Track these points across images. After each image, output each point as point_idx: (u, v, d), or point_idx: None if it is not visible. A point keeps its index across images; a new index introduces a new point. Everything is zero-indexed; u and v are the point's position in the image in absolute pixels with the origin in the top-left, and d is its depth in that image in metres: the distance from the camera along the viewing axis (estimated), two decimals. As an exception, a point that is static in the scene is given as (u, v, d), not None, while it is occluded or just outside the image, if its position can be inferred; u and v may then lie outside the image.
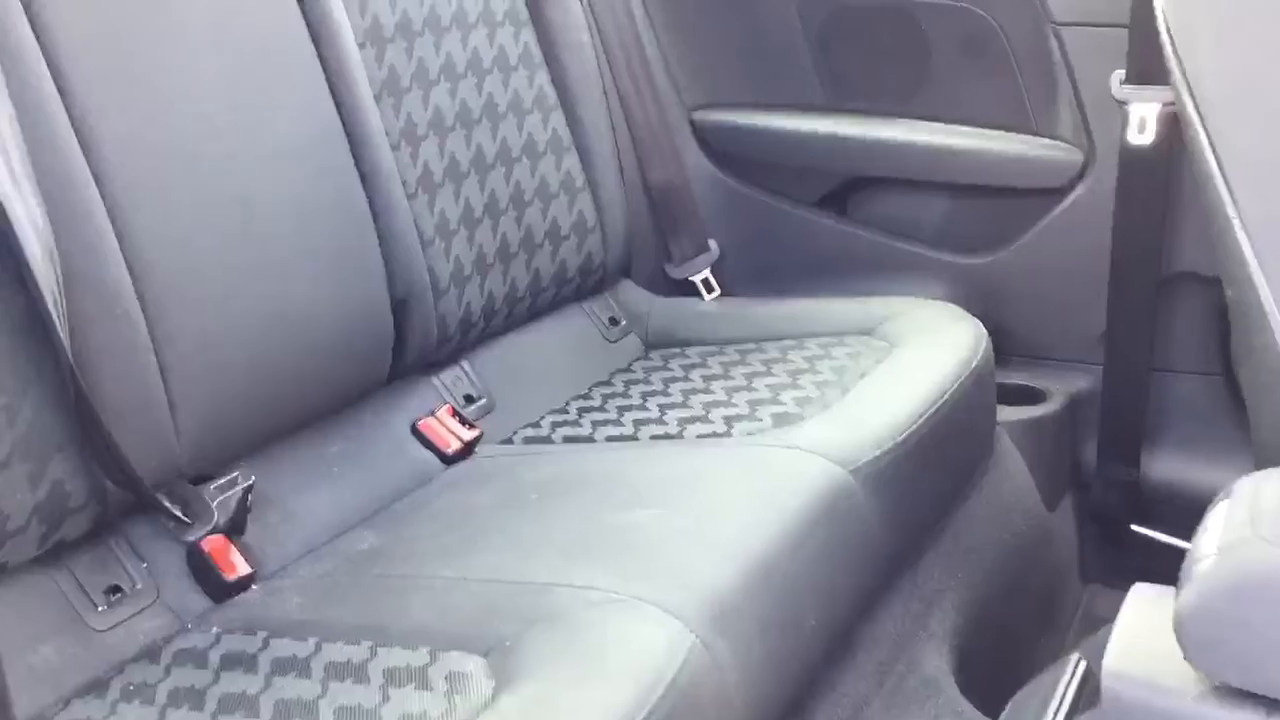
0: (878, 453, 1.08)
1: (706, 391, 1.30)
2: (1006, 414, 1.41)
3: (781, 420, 1.18)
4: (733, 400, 1.26)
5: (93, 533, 0.96)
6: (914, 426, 1.13)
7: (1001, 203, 1.48)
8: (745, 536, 0.94)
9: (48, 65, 0.93)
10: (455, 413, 1.27)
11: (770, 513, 0.97)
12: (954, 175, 1.49)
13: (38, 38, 0.93)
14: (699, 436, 1.19)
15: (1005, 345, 1.44)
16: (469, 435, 1.24)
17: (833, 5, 1.49)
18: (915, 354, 1.29)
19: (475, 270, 1.32)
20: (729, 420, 1.20)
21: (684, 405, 1.27)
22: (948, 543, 1.22)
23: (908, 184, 1.53)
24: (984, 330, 1.34)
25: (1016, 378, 1.48)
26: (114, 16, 0.99)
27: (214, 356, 1.02)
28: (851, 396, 1.22)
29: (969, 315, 1.37)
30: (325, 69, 1.17)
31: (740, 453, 1.11)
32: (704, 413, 1.24)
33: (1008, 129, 1.45)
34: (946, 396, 1.20)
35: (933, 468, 1.16)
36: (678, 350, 1.48)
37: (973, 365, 1.27)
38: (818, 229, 1.58)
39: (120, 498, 0.95)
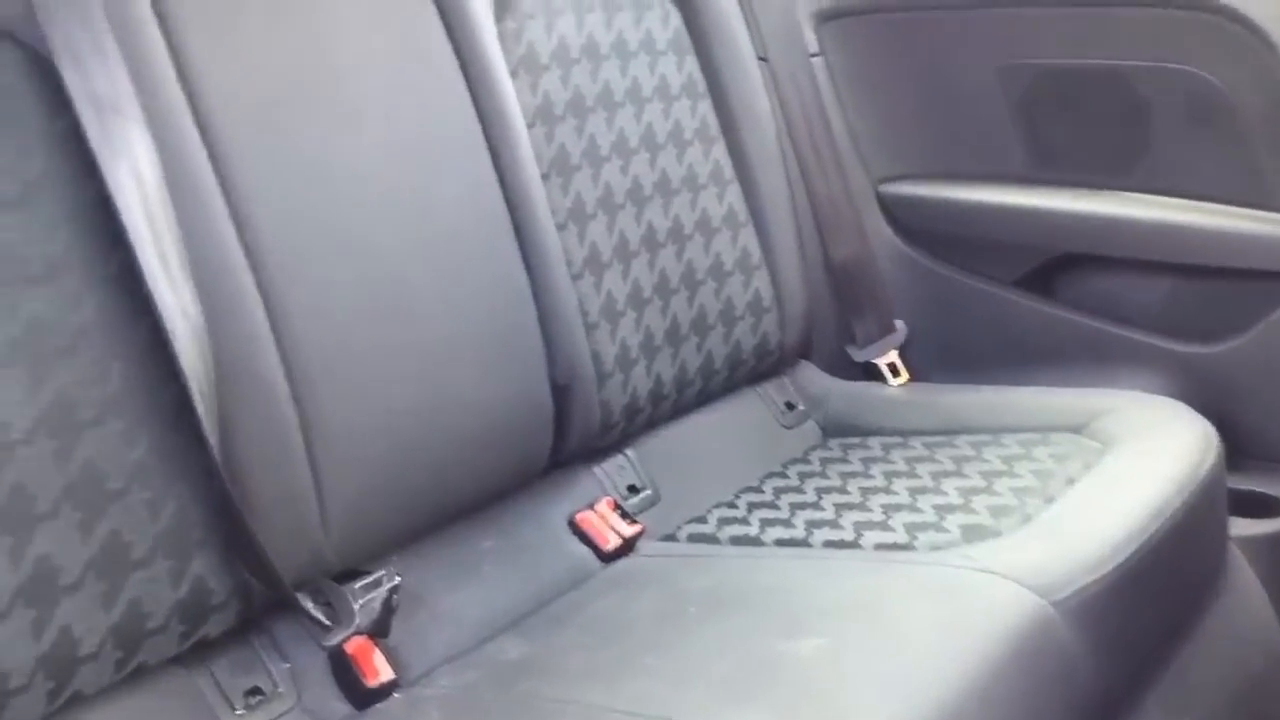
0: (1087, 580, 0.94)
1: (888, 491, 1.19)
2: (1240, 528, 1.23)
3: (973, 533, 1.06)
4: (917, 504, 1.14)
5: (235, 631, 0.92)
6: (1131, 548, 0.99)
7: (1233, 285, 1.31)
8: (925, 679, 0.82)
9: (205, 147, 0.91)
10: (616, 505, 1.20)
11: (956, 650, 0.85)
12: (1178, 254, 1.33)
13: (195, 115, 0.91)
14: (877, 546, 1.07)
15: (1237, 447, 1.27)
16: (630, 531, 1.17)
17: (1038, 69, 1.37)
18: (1132, 458, 1.14)
19: (642, 354, 1.25)
20: (912, 529, 1.08)
21: (862, 506, 1.16)
22: (1170, 685, 1.06)
23: (1123, 263, 1.38)
24: (1213, 430, 1.18)
25: (1251, 485, 1.30)
26: (276, 93, 0.97)
27: (365, 447, 0.98)
28: (1056, 508, 1.08)
29: (1195, 412, 1.22)
30: (492, 149, 1.13)
31: (923, 572, 0.99)
32: (884, 518, 1.12)
33: (1240, 203, 1.29)
34: (1170, 510, 1.04)
35: (1152, 596, 1.01)
36: (858, 440, 1.37)
37: (1201, 472, 1.11)
38: (1019, 311, 1.44)
39: (264, 595, 0.92)
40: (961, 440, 1.29)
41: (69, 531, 0.80)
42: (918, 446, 1.30)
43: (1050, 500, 1.10)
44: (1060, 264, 1.43)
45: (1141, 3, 1.29)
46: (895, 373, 1.47)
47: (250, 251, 0.92)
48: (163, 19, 0.91)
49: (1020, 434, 1.27)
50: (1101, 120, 1.35)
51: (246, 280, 0.91)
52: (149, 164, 0.85)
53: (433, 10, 1.11)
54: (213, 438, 0.85)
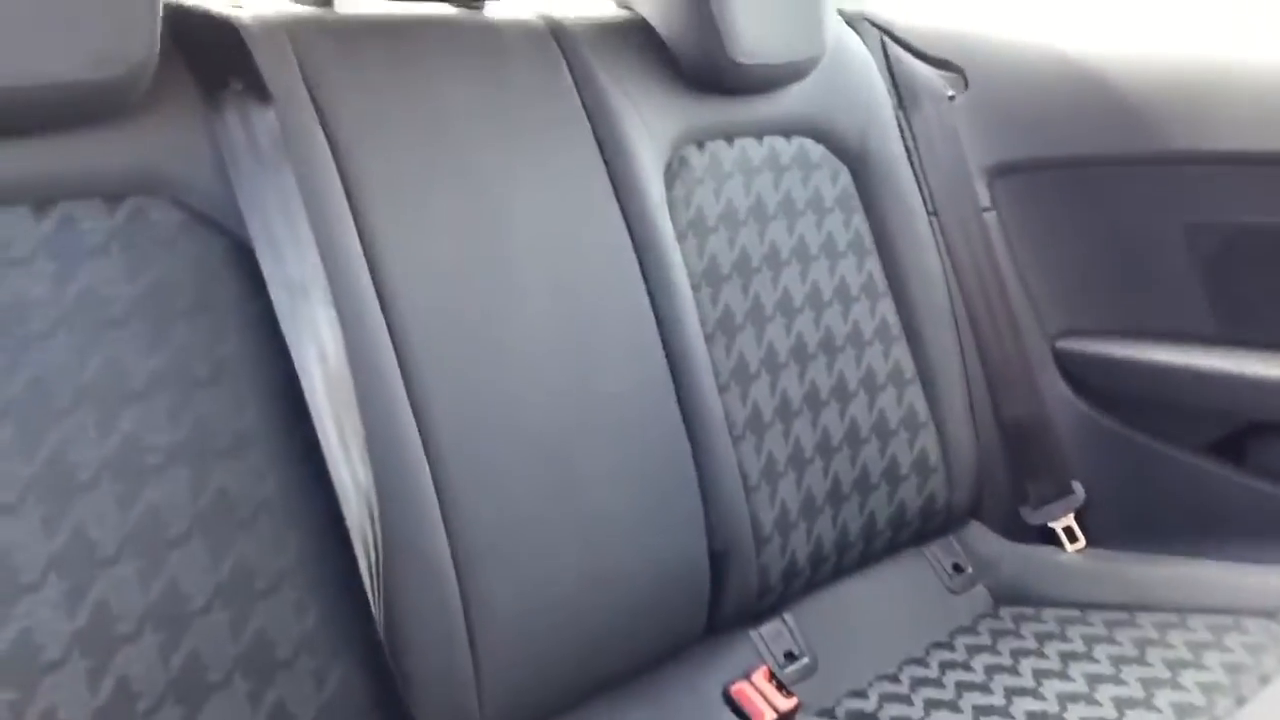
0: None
1: (1063, 676, 1.12)
2: None
3: (1155, 739, 0.98)
4: (1095, 694, 1.07)
5: None
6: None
7: None
8: None
9: (387, 326, 0.96)
10: (772, 675, 1.16)
11: None
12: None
13: (379, 296, 0.96)
14: (1052, 744, 1.01)
15: None
16: (786, 705, 1.13)
17: (1232, 228, 1.31)
18: (1336, 657, 1.05)
19: (802, 516, 1.23)
20: (1090, 727, 1.02)
21: (1035, 693, 1.10)
22: None
23: (1324, 432, 1.29)
24: None
25: None
26: (454, 271, 1.01)
27: (524, 623, 0.99)
28: (1249, 711, 1.00)
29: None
30: (657, 312, 1.14)
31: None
32: (1059, 710, 1.06)
33: None
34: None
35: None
36: (1032, 611, 1.30)
37: None
38: (1208, 478, 1.35)
39: None
40: (1144, 619, 1.21)
41: (239, 702, 0.83)
42: (1097, 623, 1.22)
43: (1241, 701, 1.02)
44: (1254, 431, 1.34)
45: (1343, 162, 1.22)
46: (1072, 538, 1.40)
47: (423, 427, 0.95)
48: (355, 204, 0.96)
49: (1209, 616, 1.18)
50: (1298, 281, 1.28)
51: (418, 456, 0.94)
52: (333, 343, 0.90)
53: (606, 183, 1.14)
54: (378, 612, 0.87)
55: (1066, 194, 1.41)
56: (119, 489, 0.81)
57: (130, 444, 0.82)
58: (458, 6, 1.12)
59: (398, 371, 0.95)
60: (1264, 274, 1.30)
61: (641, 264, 1.15)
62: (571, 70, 1.15)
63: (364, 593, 0.87)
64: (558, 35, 1.16)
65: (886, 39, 1.43)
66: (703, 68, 1.21)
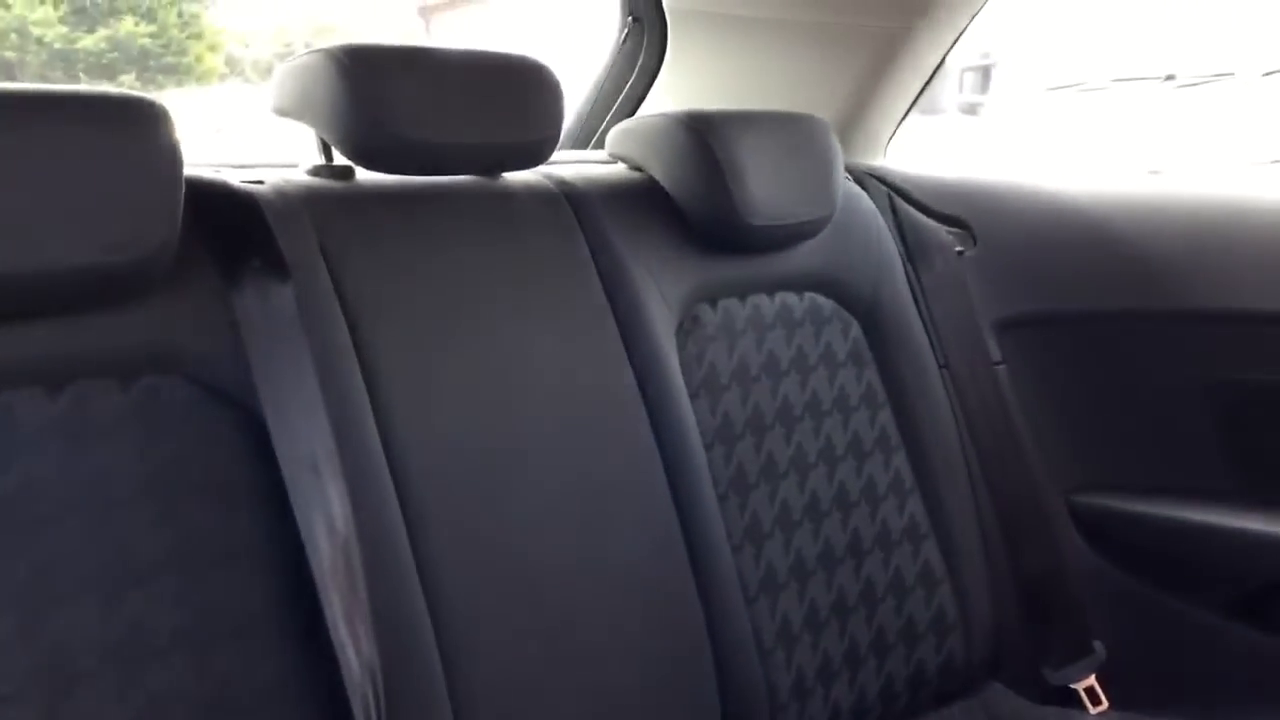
0: None
1: None
2: None
3: None
4: None
5: None
6: None
7: None
8: None
9: (398, 499, 0.95)
10: None
11: None
12: None
13: (391, 470, 0.95)
14: None
15: None
16: None
17: (1248, 385, 1.30)
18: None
19: (819, 681, 1.19)
20: None
21: None
22: None
23: (1349, 594, 1.26)
24: None
25: None
26: (465, 440, 1.00)
27: None
28: None
29: None
30: (670, 475, 1.13)
31: None
32: None
33: None
34: None
35: None
36: (1055, 777, 1.26)
37: None
38: (1231, 640, 1.32)
39: None
40: (1171, 789, 1.17)
41: None
42: (1122, 793, 1.19)
43: None
44: (1277, 589, 1.32)
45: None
46: (1095, 699, 1.36)
47: (431, 603, 0.93)
48: (369, 376, 0.96)
49: (1239, 788, 1.15)
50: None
51: (426, 633, 0.92)
52: (343, 518, 0.88)
53: (619, 345, 1.14)
54: None
55: (1076, 348, 1.41)
56: (120, 676, 0.79)
57: (134, 629, 0.80)
58: (475, 175, 1.14)
59: (407, 545, 0.93)
60: (1277, 430, 1.30)
61: (654, 425, 1.14)
62: (585, 233, 1.17)
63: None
64: (571, 198, 1.18)
65: (894, 196, 1.45)
66: (714, 228, 1.22)
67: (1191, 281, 1.32)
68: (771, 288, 1.28)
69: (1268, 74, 4.22)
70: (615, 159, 1.31)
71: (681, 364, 1.18)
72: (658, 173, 1.25)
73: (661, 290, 1.18)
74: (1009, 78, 4.76)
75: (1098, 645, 1.39)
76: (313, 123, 1.07)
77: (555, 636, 1.01)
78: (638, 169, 1.28)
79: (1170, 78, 4.41)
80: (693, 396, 1.18)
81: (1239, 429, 1.32)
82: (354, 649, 0.86)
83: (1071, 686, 1.37)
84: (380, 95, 1.02)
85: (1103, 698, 1.36)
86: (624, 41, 1.58)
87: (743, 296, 1.26)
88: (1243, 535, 1.31)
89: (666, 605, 1.10)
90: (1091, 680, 1.37)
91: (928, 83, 1.51)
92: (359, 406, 0.94)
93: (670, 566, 1.11)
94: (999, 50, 4.75)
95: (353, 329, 0.96)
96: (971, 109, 4.75)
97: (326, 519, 0.88)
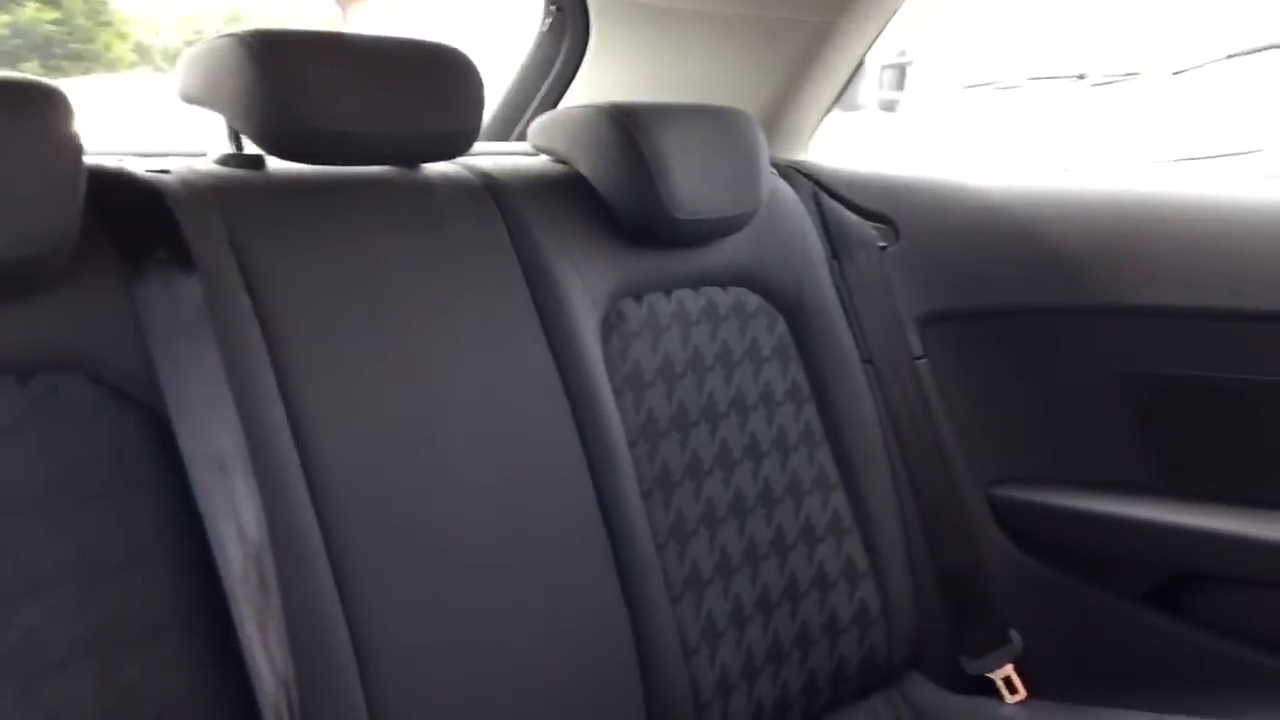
0: None
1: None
2: None
3: None
4: None
5: None
6: None
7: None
8: None
9: (313, 502, 0.92)
10: None
11: None
12: (1316, 580, 1.25)
13: (305, 471, 0.92)
14: None
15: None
16: None
17: (1161, 378, 1.33)
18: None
19: (742, 677, 1.19)
20: None
21: None
22: None
23: (1256, 583, 1.29)
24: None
25: None
26: (384, 442, 0.98)
27: None
28: None
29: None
30: (593, 473, 1.12)
31: None
32: None
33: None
34: None
35: None
36: (974, 766, 1.27)
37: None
38: (1145, 629, 1.35)
39: None
40: (1086, 777, 1.19)
41: None
42: (1039, 781, 1.20)
43: None
44: (1190, 579, 1.35)
45: (1263, 319, 1.25)
46: (1012, 688, 1.38)
47: (349, 609, 0.90)
48: (281, 373, 0.93)
49: (1152, 777, 1.17)
50: (1226, 433, 1.30)
51: (343, 641, 0.89)
52: (254, 521, 0.85)
53: (542, 340, 1.12)
54: None
55: (997, 342, 1.43)
56: (16, 690, 0.75)
57: (29, 640, 0.76)
58: (393, 165, 1.11)
59: (323, 549, 0.90)
60: (1194, 425, 1.32)
61: (577, 422, 1.12)
62: (507, 226, 1.14)
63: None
64: (493, 190, 1.15)
65: (819, 190, 1.45)
66: (639, 222, 1.21)
67: (1109, 277, 1.35)
68: (696, 282, 1.27)
69: (1176, 73, 4.34)
70: (538, 151, 1.29)
71: (605, 360, 1.16)
72: (582, 165, 1.23)
73: (585, 285, 1.16)
74: (925, 75, 4.82)
75: (1015, 635, 1.41)
76: (222, 110, 1.03)
77: (476, 642, 0.99)
78: (561, 161, 1.26)
79: (1082, 76, 4.51)
80: (617, 393, 1.16)
81: (1154, 422, 1.34)
82: (266, 658, 0.83)
83: (989, 676, 1.39)
84: (292, 82, 0.99)
85: (1019, 687, 1.38)
86: (547, 31, 1.56)
87: (668, 291, 1.24)
88: (1157, 527, 1.33)
89: (590, 606, 1.08)
90: (1009, 670, 1.39)
91: (851, 78, 1.52)
92: (270, 404, 0.91)
93: (593, 567, 1.10)
94: (915, 48, 4.81)
95: (263, 324, 0.93)
96: (890, 106, 4.81)
97: (236, 522, 0.85)
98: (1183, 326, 1.30)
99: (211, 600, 0.84)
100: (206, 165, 1.03)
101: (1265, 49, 4.34)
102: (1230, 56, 4.36)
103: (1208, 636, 1.32)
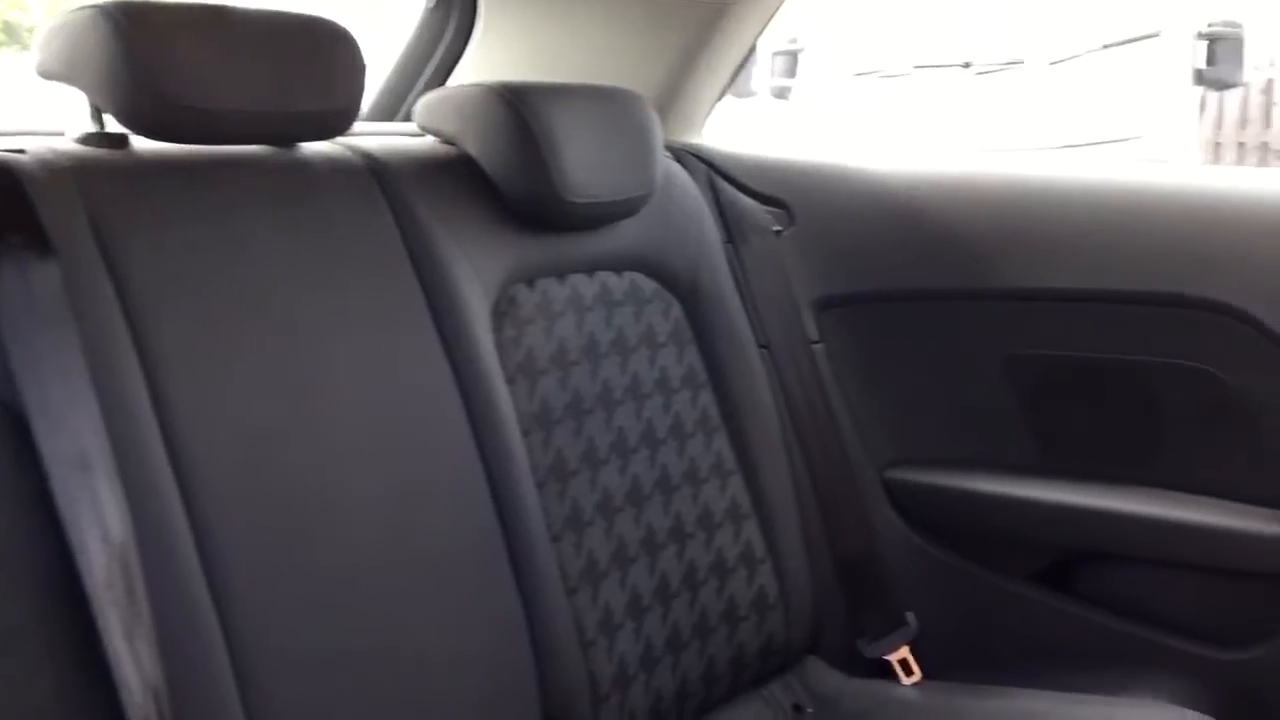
0: None
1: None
2: None
3: None
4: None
5: None
6: None
7: (1264, 587, 1.25)
8: None
9: (183, 502, 0.86)
10: (613, 844, 1.10)
11: None
12: (1199, 556, 1.28)
13: (174, 469, 0.87)
14: None
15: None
16: None
17: (1048, 360, 1.35)
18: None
19: (641, 668, 1.17)
20: None
21: None
22: None
23: (1146, 560, 1.32)
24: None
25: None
26: (262, 438, 0.93)
27: None
28: None
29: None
30: (485, 463, 1.08)
31: None
32: None
33: (1261, 503, 1.24)
34: None
35: None
36: (871, 749, 1.28)
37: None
38: (1037, 608, 1.37)
39: None
40: (981, 757, 1.20)
41: None
42: (936, 762, 1.21)
43: None
44: (1080, 558, 1.38)
45: (1153, 301, 1.28)
46: (908, 670, 1.39)
47: (223, 613, 0.86)
48: (148, 364, 0.87)
49: (1044, 750, 1.19)
50: (1116, 414, 1.32)
51: (218, 646, 0.85)
52: (119, 523, 0.80)
53: (431, 327, 1.08)
54: None
55: (890, 326, 1.43)
56: None
57: None
58: (268, 145, 1.05)
59: (194, 552, 0.85)
60: (1081, 406, 1.35)
61: (469, 412, 1.09)
62: (391, 209, 1.10)
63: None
64: (377, 173, 1.11)
65: (714, 174, 1.44)
66: (531, 205, 1.17)
67: (1002, 260, 1.36)
68: (590, 267, 1.24)
69: (1055, 62, 4.46)
70: (424, 131, 1.24)
71: (497, 347, 1.13)
72: (470, 146, 1.19)
73: (475, 270, 1.12)
74: (815, 63, 4.88)
75: (910, 617, 1.42)
76: (83, 86, 0.97)
77: (363, 644, 0.95)
78: (449, 142, 1.21)
79: (967, 65, 4.61)
80: (509, 381, 1.13)
81: (1046, 404, 1.36)
82: (134, 667, 0.78)
83: (885, 658, 1.40)
84: (158, 56, 0.93)
85: (915, 668, 1.39)
86: (433, 7, 1.51)
87: (561, 276, 1.21)
88: (1049, 507, 1.35)
89: (484, 601, 1.05)
90: (905, 651, 1.40)
91: (744, 61, 1.50)
92: (136, 399, 0.86)
93: (487, 560, 1.06)
94: (806, 36, 4.86)
95: (128, 313, 0.87)
96: (781, 93, 4.85)
97: (99, 524, 0.79)
98: (1074, 309, 1.32)
99: (75, 607, 0.78)
100: (66, 145, 0.96)
101: (1138, 39, 4.49)
102: (1106, 47, 4.50)
103: (1100, 615, 1.34)
